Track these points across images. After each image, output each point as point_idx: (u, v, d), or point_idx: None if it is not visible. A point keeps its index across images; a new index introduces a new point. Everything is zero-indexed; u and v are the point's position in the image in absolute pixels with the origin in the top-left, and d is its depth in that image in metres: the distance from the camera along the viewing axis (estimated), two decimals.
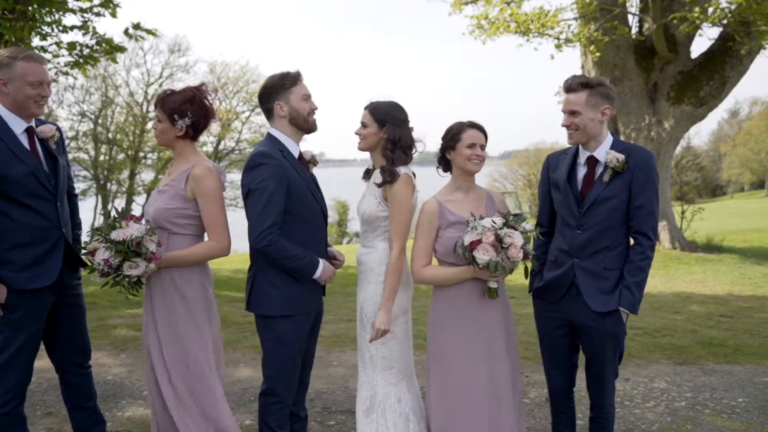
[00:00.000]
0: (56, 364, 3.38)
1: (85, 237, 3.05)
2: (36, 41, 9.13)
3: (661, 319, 6.90)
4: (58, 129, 3.25)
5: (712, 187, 49.07)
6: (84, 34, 9.58)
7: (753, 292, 8.48)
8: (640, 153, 2.98)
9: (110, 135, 29.17)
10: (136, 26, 10.09)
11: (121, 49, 9.98)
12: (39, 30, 9.06)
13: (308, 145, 30.73)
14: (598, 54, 11.00)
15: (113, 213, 2.98)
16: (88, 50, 9.60)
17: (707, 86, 11.16)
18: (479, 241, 2.80)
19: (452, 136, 3.05)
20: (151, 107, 26.44)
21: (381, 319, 3.01)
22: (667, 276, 9.70)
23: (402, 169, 3.04)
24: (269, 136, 3.07)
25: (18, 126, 3.05)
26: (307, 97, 3.07)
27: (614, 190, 2.94)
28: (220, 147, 29.31)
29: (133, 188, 28.94)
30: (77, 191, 3.60)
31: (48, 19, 9.06)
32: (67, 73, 9.96)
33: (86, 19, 9.49)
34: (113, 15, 9.53)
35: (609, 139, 3.03)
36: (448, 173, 3.14)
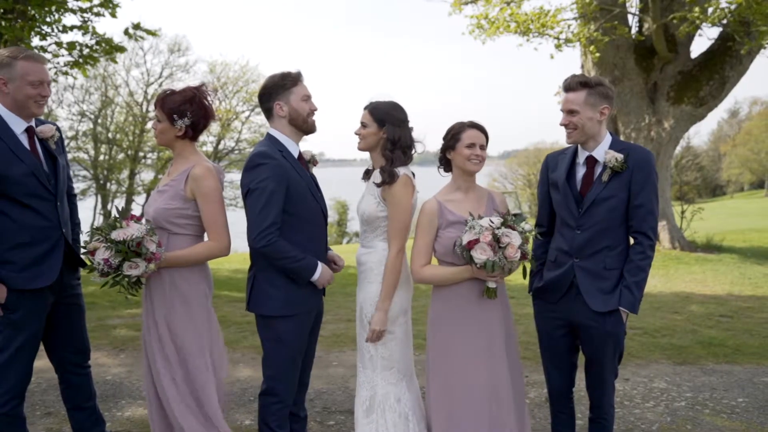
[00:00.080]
0: (56, 364, 3.38)
1: (85, 237, 3.04)
2: (36, 41, 9.14)
3: (661, 319, 6.90)
4: (58, 129, 3.25)
5: (712, 187, 49.08)
6: (84, 34, 9.58)
7: (753, 292, 8.48)
8: (639, 152, 2.97)
9: (110, 135, 29.16)
10: (136, 26, 10.10)
11: (121, 49, 9.99)
12: (39, 30, 9.07)
13: (308, 144, 30.75)
14: (597, 54, 11.00)
15: (114, 213, 2.98)
16: (87, 50, 9.61)
17: (707, 86, 11.16)
18: (477, 241, 2.80)
19: (452, 136, 3.05)
20: (151, 107, 26.42)
21: (376, 320, 3.01)
22: (667, 276, 9.70)
23: (402, 170, 3.04)
24: (269, 136, 3.06)
25: (18, 126, 3.05)
26: (307, 98, 3.07)
27: (613, 189, 2.94)
28: (220, 147, 29.31)
29: (132, 188, 28.93)
30: (77, 191, 3.60)
31: (48, 19, 9.07)
32: (66, 73, 9.96)
33: (86, 19, 9.49)
34: (113, 15, 9.54)
35: (608, 138, 3.03)
36: (449, 173, 3.14)
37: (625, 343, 3.10)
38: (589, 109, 2.95)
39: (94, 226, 2.98)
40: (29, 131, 3.10)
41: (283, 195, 2.89)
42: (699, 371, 5.15)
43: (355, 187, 3.39)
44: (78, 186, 27.09)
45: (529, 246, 2.93)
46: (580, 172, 3.05)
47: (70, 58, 9.64)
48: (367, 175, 3.22)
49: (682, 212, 12.78)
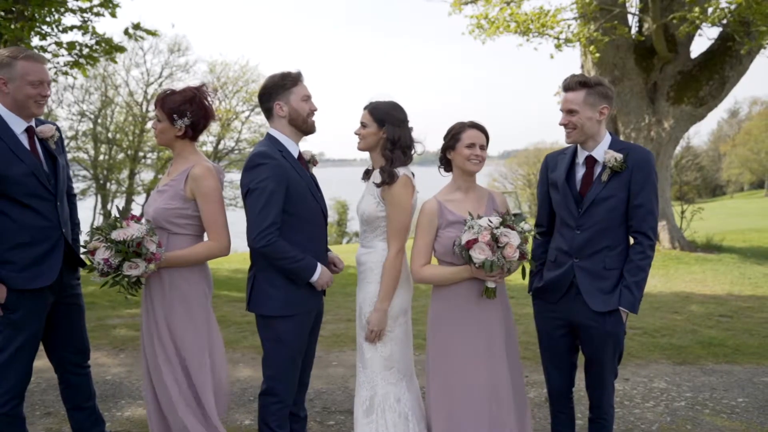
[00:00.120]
0: (55, 364, 3.38)
1: (84, 237, 3.04)
2: (35, 41, 9.14)
3: (661, 319, 6.90)
4: (58, 129, 3.25)
5: (712, 187, 49.08)
6: (84, 34, 9.58)
7: (753, 292, 8.48)
8: (638, 152, 2.97)
9: (110, 135, 29.15)
10: (136, 26, 10.10)
11: (121, 49, 9.99)
12: (38, 30, 9.06)
13: (308, 144, 30.77)
14: (597, 54, 11.00)
15: (114, 213, 2.98)
16: (87, 50, 9.61)
17: (707, 86, 11.16)
18: (475, 240, 2.80)
19: (452, 136, 3.05)
20: (151, 107, 26.43)
21: (375, 320, 3.01)
22: (667, 276, 9.70)
23: (401, 170, 3.04)
24: (268, 136, 3.06)
25: (18, 126, 3.05)
26: (307, 98, 3.07)
27: (613, 189, 2.94)
28: (220, 147, 29.29)
29: (132, 188, 28.92)
30: (77, 191, 3.60)
31: (47, 19, 9.06)
32: (66, 73, 9.96)
33: (86, 19, 9.49)
34: (113, 15, 9.53)
35: (607, 138, 3.03)
36: (450, 173, 3.14)
37: (624, 343, 3.10)
38: (588, 109, 2.95)
39: (95, 226, 2.97)
40: (29, 131, 3.09)
41: (283, 195, 2.89)
42: (699, 371, 5.15)
43: (355, 187, 3.39)
44: (78, 186, 27.09)
45: (529, 246, 2.93)
46: (580, 172, 3.05)
47: (69, 58, 9.64)
48: (367, 175, 3.22)
49: (682, 212, 12.78)
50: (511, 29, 11.48)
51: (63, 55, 9.58)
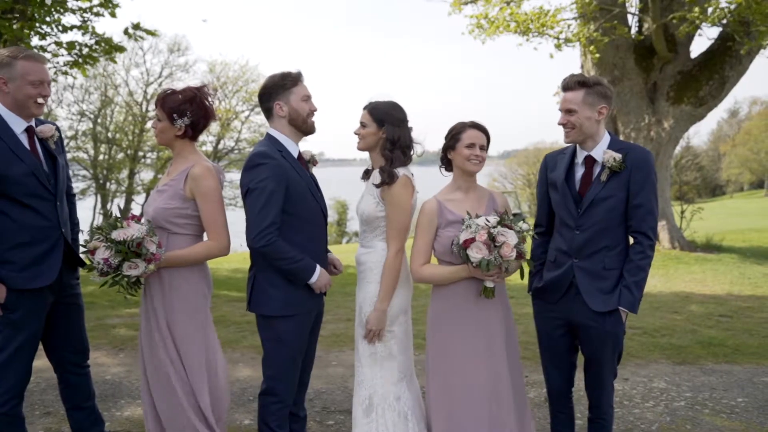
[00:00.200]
0: (55, 364, 3.38)
1: (84, 236, 3.04)
2: (35, 41, 9.13)
3: (661, 318, 6.91)
4: (58, 129, 3.25)
5: (712, 187, 49.09)
6: (83, 34, 9.58)
7: (752, 292, 8.48)
8: (637, 152, 2.97)
9: (109, 134, 29.15)
10: (136, 26, 10.09)
11: (120, 49, 9.98)
12: (38, 29, 9.06)
13: (308, 144, 30.72)
14: (597, 54, 11.00)
15: (115, 212, 2.98)
16: (87, 50, 9.60)
17: (707, 86, 11.16)
18: (472, 240, 2.81)
19: (452, 136, 3.06)
20: (151, 107, 26.45)
21: (374, 320, 3.01)
22: (667, 276, 9.70)
23: (401, 170, 3.04)
24: (268, 136, 3.06)
25: (18, 125, 3.05)
26: (307, 98, 3.07)
27: (612, 189, 2.94)
28: (220, 146, 29.30)
29: (132, 188, 28.93)
30: (77, 191, 3.60)
31: (47, 19, 9.06)
32: (66, 73, 9.96)
33: (85, 19, 9.49)
34: (112, 15, 9.53)
35: (606, 138, 3.03)
36: (451, 173, 3.15)
37: (624, 343, 3.10)
38: (587, 109, 2.95)
39: (95, 226, 2.98)
40: (29, 131, 3.09)
41: (283, 195, 2.89)
42: (698, 371, 5.15)
43: (355, 186, 3.39)
44: (77, 186, 27.09)
45: (528, 246, 2.93)
46: (579, 172, 3.05)
47: (69, 58, 9.63)
48: (367, 175, 3.22)
49: (682, 212, 12.78)
50: (511, 29, 11.48)
51: (63, 55, 9.58)
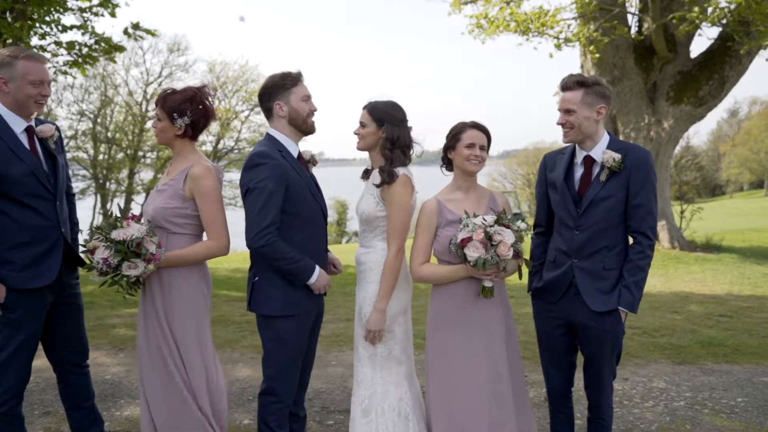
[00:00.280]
0: (54, 364, 3.37)
1: (84, 236, 3.04)
2: (35, 40, 9.14)
3: (660, 318, 6.91)
4: (57, 128, 3.25)
5: (712, 187, 49.11)
6: (83, 34, 9.58)
7: (752, 292, 8.48)
8: (636, 152, 2.97)
9: (109, 134, 29.16)
10: (135, 26, 10.10)
11: (120, 49, 9.99)
12: (38, 29, 9.06)
13: (308, 144, 30.72)
14: (597, 54, 11.01)
15: (115, 212, 2.98)
16: (87, 49, 9.61)
17: (706, 86, 11.16)
18: (469, 239, 2.81)
19: (453, 136, 3.07)
20: (150, 106, 26.45)
21: (373, 321, 3.01)
22: (666, 275, 9.70)
23: (401, 170, 3.04)
24: (268, 136, 3.06)
25: (18, 125, 3.05)
26: (307, 98, 3.07)
27: (611, 189, 2.94)
28: (219, 146, 29.32)
29: (132, 187, 28.94)
30: (76, 190, 3.60)
31: (47, 19, 9.06)
32: (66, 73, 9.97)
33: (85, 19, 9.49)
34: (112, 15, 9.54)
35: (605, 138, 3.03)
36: (452, 173, 3.15)
37: (623, 342, 3.11)
38: (585, 109, 2.95)
39: (95, 225, 2.98)
40: (29, 131, 3.09)
41: (282, 195, 2.89)
42: (698, 371, 5.15)
43: (355, 186, 3.39)
44: (77, 185, 27.09)
45: (526, 246, 2.93)
46: (578, 172, 3.05)
47: (69, 58, 9.64)
48: (366, 174, 3.22)
49: (682, 212, 12.78)
50: (511, 29, 11.48)
51: (62, 55, 9.59)
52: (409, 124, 3.13)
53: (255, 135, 28.82)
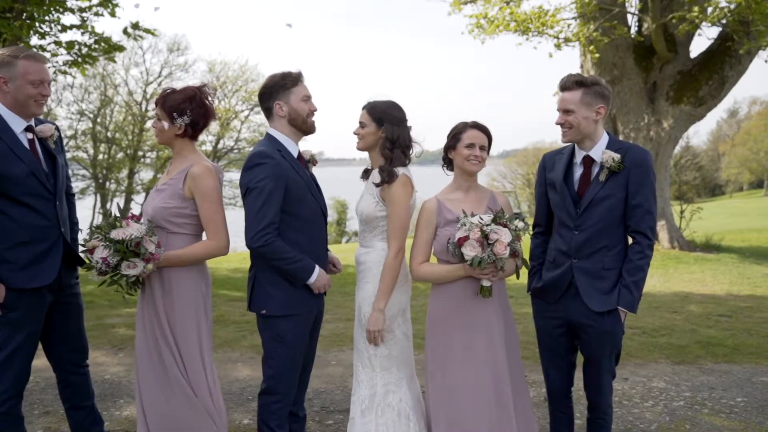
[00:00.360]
0: (54, 364, 3.37)
1: (84, 236, 3.05)
2: (34, 40, 9.13)
3: (660, 318, 6.91)
4: (57, 128, 3.25)
5: (711, 187, 49.15)
6: (83, 34, 9.57)
7: (752, 292, 8.48)
8: (636, 152, 2.97)
9: (109, 134, 29.16)
10: (135, 26, 10.09)
11: (120, 48, 9.98)
12: (37, 29, 9.05)
13: (307, 144, 30.73)
14: (597, 54, 11.01)
15: (114, 212, 2.98)
16: (86, 49, 9.60)
17: (706, 86, 11.16)
18: (466, 238, 2.82)
19: (453, 136, 3.07)
20: (150, 106, 26.45)
21: (373, 321, 3.01)
22: (666, 275, 9.70)
23: (401, 170, 3.04)
24: (268, 136, 3.06)
25: (18, 125, 3.05)
26: (308, 98, 3.07)
27: (611, 189, 2.94)
28: (219, 146, 29.31)
29: (131, 187, 28.94)
30: (76, 190, 3.60)
31: (47, 18, 9.06)
32: (65, 72, 9.96)
33: (85, 19, 9.48)
34: (112, 14, 9.53)
35: (605, 138, 3.03)
36: (453, 173, 3.16)
37: (623, 342, 3.11)
38: (584, 109, 2.95)
39: (94, 225, 2.98)
40: (29, 130, 3.09)
41: (282, 195, 2.89)
42: (698, 371, 5.16)
43: (355, 186, 3.39)
44: (77, 185, 27.09)
45: (525, 245, 2.93)
46: (578, 172, 3.05)
47: (69, 57, 9.63)
48: (366, 174, 3.22)
49: (681, 212, 12.78)
50: (511, 28, 11.48)
51: (62, 54, 9.58)
52: (409, 123, 3.13)
53: (255, 135, 28.83)
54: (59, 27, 9.33)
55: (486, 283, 2.93)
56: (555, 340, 3.16)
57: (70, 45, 9.38)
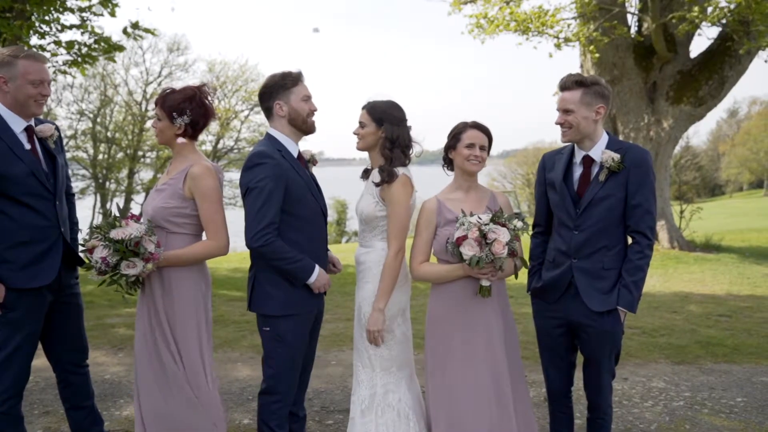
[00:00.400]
0: (54, 364, 3.37)
1: (84, 235, 3.05)
2: (34, 40, 9.13)
3: (660, 318, 6.91)
4: (57, 128, 3.25)
5: (711, 187, 49.16)
6: (82, 33, 9.57)
7: (751, 292, 8.48)
8: (635, 152, 2.97)
9: (109, 134, 29.16)
10: (135, 25, 10.08)
11: (120, 48, 9.98)
12: (37, 29, 9.05)
13: (307, 144, 30.73)
14: (597, 54, 11.01)
15: (114, 212, 2.98)
16: (86, 49, 9.60)
17: (706, 86, 11.16)
18: (465, 237, 2.82)
19: (454, 136, 3.08)
20: (150, 106, 26.45)
21: (373, 321, 3.01)
22: (666, 275, 9.71)
23: (400, 170, 3.04)
24: (268, 136, 3.06)
25: (18, 125, 3.05)
26: (308, 98, 3.07)
27: (610, 189, 2.94)
28: (219, 146, 29.32)
29: (131, 187, 28.94)
30: (76, 190, 3.60)
31: (46, 18, 9.06)
32: (65, 72, 9.96)
33: (85, 18, 9.48)
34: (112, 14, 9.52)
35: (604, 138, 3.03)
36: (453, 172, 3.16)
37: (623, 342, 3.11)
38: (584, 108, 2.96)
39: (94, 225, 2.98)
40: (28, 130, 3.09)
41: (282, 195, 2.89)
42: (697, 371, 5.16)
43: (355, 186, 3.39)
44: (77, 185, 27.09)
45: (525, 245, 2.93)
46: (577, 171, 3.05)
47: (68, 57, 9.63)
48: (366, 174, 3.22)
49: (681, 212, 12.78)
50: (511, 28, 11.48)
51: (62, 54, 9.58)
52: (409, 123, 3.13)
53: (255, 135, 28.84)
54: (59, 27, 9.33)
55: (485, 283, 2.93)
56: (555, 340, 3.16)
57: (70, 45, 9.38)
